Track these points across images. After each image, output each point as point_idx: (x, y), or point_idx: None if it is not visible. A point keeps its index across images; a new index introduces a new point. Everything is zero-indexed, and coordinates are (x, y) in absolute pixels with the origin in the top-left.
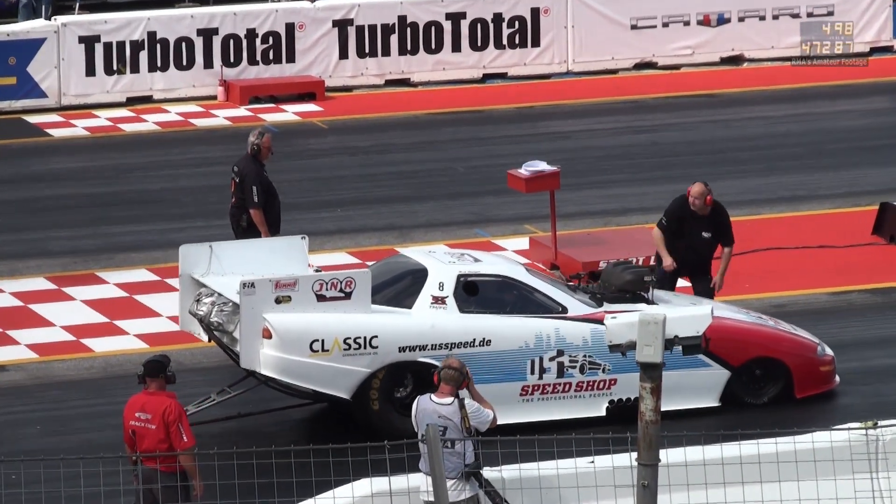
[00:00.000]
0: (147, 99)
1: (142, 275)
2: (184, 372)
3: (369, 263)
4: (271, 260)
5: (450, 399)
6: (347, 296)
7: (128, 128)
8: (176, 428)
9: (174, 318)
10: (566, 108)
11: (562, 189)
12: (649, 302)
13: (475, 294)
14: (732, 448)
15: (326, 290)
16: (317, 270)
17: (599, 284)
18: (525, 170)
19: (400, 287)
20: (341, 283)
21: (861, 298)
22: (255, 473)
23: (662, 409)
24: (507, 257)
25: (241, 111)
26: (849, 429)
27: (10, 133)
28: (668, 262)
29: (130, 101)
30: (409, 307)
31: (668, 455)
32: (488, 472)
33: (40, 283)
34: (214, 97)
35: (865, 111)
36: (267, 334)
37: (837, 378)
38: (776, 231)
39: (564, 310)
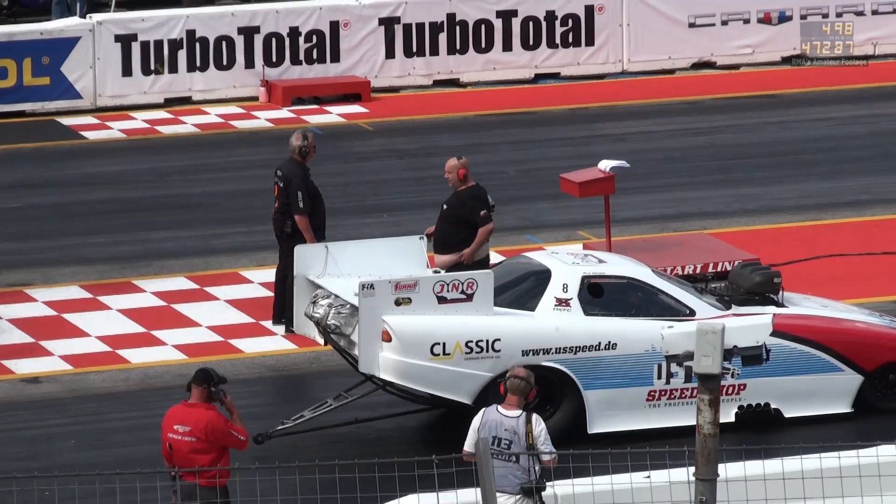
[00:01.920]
0: (186, 100)
1: (180, 283)
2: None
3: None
4: (389, 261)
5: (517, 412)
6: (469, 298)
7: (166, 130)
8: (229, 435)
9: (213, 328)
10: (621, 110)
11: (617, 193)
12: (779, 304)
13: (600, 296)
14: (794, 462)
15: (447, 291)
16: (435, 272)
17: (727, 286)
18: (606, 167)
19: (522, 289)
20: (463, 284)
21: None
22: (297, 489)
23: (795, 415)
24: (632, 259)
25: (284, 113)
26: None
27: (44, 135)
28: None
29: (168, 103)
30: (532, 309)
31: (726, 470)
32: None
33: (75, 292)
34: (256, 98)
35: None
36: (386, 337)
37: None
38: (840, 236)
39: (692, 312)
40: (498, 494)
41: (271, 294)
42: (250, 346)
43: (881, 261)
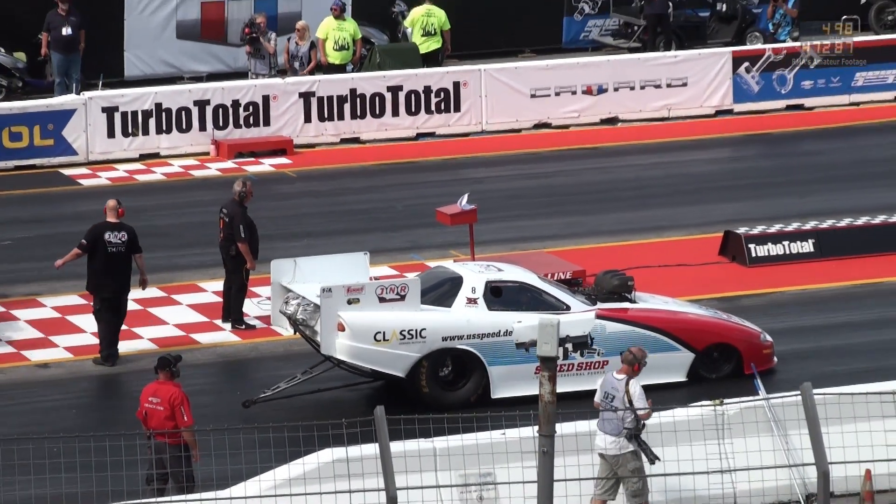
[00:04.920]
0: (155, 155)
1: (153, 292)
2: (188, 367)
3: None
4: (342, 271)
5: (623, 377)
6: (402, 298)
7: (141, 178)
8: (179, 410)
9: (178, 326)
10: (481, 160)
11: (479, 222)
12: (632, 301)
13: (500, 296)
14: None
15: (386, 293)
16: (375, 279)
17: (593, 287)
18: (463, 205)
19: (441, 291)
20: (397, 288)
21: (709, 304)
22: (241, 445)
23: (644, 384)
24: (523, 268)
25: (229, 164)
26: (701, 406)
27: (49, 183)
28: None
29: (142, 157)
30: (449, 306)
31: (562, 428)
32: (424, 443)
33: (74, 300)
34: (208, 153)
35: (712, 160)
36: (341, 328)
37: (776, 359)
38: (645, 253)
39: (568, 308)
40: (604, 435)
41: (220, 300)
42: (205, 338)
43: (675, 271)
